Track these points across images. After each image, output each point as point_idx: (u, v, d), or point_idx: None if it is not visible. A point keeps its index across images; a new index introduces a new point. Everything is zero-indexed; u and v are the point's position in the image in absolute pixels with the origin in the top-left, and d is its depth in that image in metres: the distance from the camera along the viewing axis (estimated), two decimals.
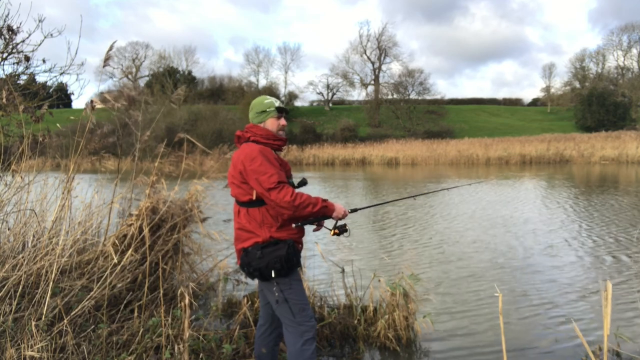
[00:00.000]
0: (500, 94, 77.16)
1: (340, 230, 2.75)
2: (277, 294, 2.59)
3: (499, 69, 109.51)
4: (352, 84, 57.94)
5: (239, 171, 2.59)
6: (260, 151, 2.56)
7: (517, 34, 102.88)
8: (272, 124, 2.74)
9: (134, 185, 4.48)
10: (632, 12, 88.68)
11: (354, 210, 2.89)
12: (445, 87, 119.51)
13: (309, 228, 2.82)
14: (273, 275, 2.53)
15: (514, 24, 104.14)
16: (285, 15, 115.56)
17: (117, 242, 3.99)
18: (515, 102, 68.84)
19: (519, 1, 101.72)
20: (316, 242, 4.64)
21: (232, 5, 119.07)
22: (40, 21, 4.18)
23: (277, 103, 2.77)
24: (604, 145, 31.17)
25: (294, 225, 2.62)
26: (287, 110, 2.82)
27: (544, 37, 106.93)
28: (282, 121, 2.77)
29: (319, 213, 2.59)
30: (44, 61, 4.51)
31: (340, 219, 2.72)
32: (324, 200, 2.62)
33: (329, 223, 2.79)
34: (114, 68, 52.81)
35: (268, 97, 2.80)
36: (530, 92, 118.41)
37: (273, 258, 2.51)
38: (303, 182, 2.81)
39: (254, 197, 2.56)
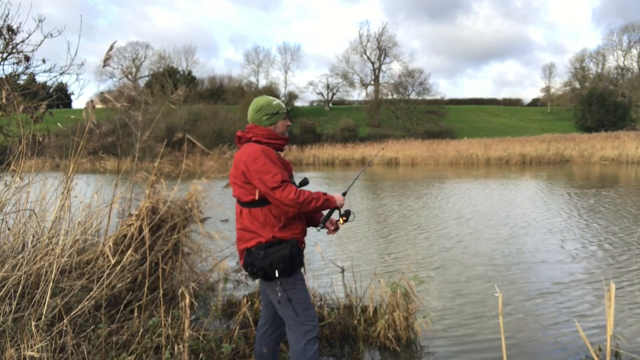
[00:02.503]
0: (502, 94, 77.22)
1: (347, 215, 2.90)
2: (280, 293, 2.58)
3: (501, 69, 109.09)
4: (352, 84, 57.98)
5: (241, 171, 2.58)
6: (263, 151, 2.57)
7: (520, 33, 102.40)
8: (282, 125, 2.80)
9: (134, 183, 4.48)
10: (636, 11, 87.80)
11: (344, 194, 2.99)
12: (447, 87, 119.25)
13: (309, 228, 2.86)
14: (277, 275, 2.54)
15: (517, 23, 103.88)
16: (285, 15, 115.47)
17: (116, 242, 3.99)
18: (515, 103, 68.84)
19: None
20: (316, 243, 4.63)
21: (232, 4, 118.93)
22: (40, 21, 4.17)
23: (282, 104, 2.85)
24: (604, 145, 31.13)
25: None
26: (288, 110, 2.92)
27: (547, 36, 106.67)
28: (288, 121, 2.85)
29: (323, 206, 2.66)
30: (43, 61, 4.51)
31: (341, 206, 2.82)
32: (324, 194, 2.68)
33: (334, 215, 2.92)
34: (114, 68, 52.78)
35: (272, 97, 2.83)
36: (532, 91, 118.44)
37: (277, 258, 2.52)
38: (304, 182, 2.83)
39: (257, 197, 2.57)
